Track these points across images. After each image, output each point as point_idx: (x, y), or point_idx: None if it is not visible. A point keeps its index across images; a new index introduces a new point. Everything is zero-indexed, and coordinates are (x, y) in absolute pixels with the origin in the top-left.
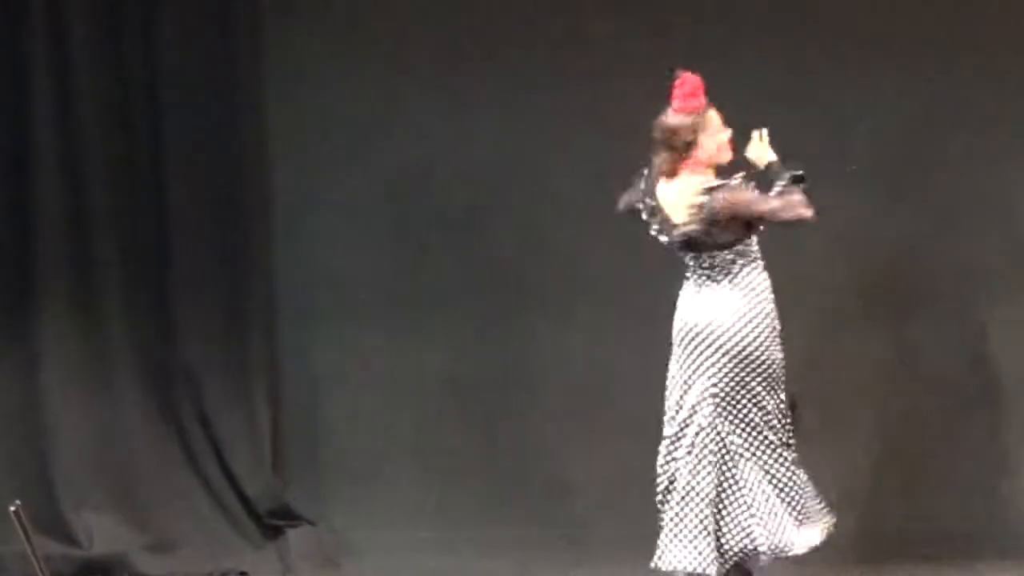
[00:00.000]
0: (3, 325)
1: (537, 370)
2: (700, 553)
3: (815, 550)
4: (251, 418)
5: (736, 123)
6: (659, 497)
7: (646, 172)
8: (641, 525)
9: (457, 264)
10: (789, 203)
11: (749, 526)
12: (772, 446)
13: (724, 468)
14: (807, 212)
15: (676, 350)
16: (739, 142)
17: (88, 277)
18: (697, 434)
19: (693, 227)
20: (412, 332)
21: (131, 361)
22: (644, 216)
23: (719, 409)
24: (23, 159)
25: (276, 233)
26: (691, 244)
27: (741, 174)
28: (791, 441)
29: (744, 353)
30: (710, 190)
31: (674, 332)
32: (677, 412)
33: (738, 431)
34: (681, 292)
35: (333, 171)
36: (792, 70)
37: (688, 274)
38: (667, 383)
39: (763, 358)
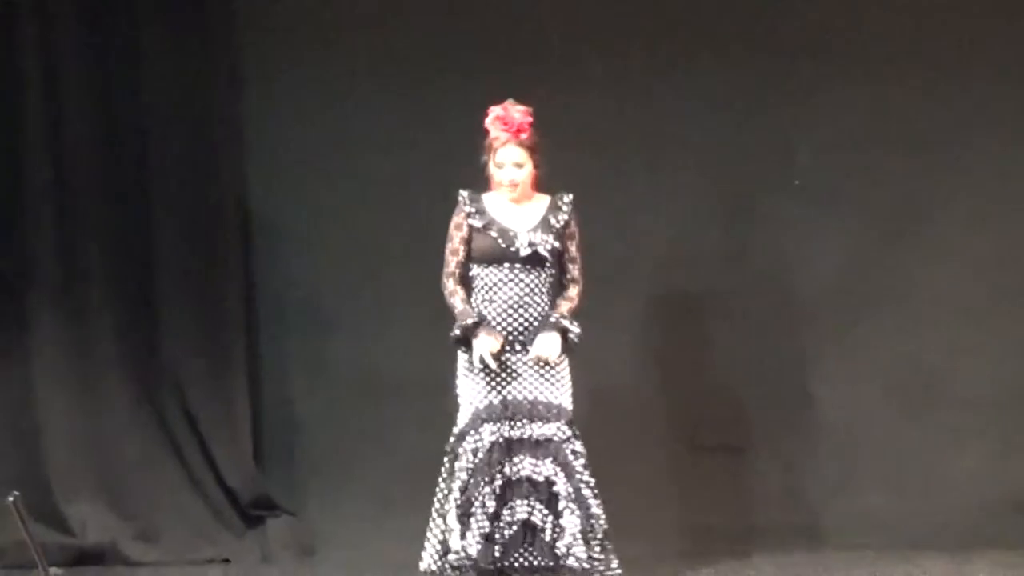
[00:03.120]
0: None
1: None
2: None
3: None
4: (232, 415)
5: (686, 137)
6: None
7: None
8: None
9: (419, 273)
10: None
11: None
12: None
13: None
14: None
15: None
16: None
17: (78, 285)
18: None
19: None
20: (380, 337)
21: (119, 363)
22: None
23: None
24: (16, 174)
25: (254, 243)
26: None
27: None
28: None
29: None
30: None
31: None
32: None
33: None
34: None
35: (307, 184)
36: (740, 88)
37: None
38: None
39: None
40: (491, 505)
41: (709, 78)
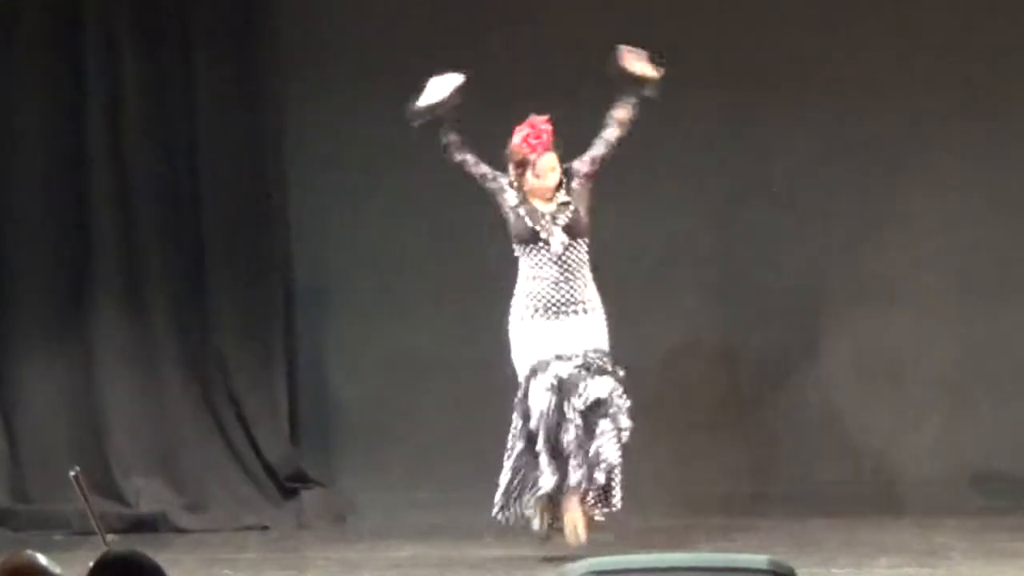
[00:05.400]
0: (64, 319)
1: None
2: None
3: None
4: (272, 397)
5: (677, 153)
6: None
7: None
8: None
9: (445, 267)
10: None
11: None
12: None
13: None
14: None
15: None
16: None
17: (136, 279)
18: None
19: None
20: (406, 324)
21: (172, 350)
22: None
23: None
24: (84, 182)
25: (293, 242)
26: None
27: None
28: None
29: None
30: None
31: None
32: None
33: None
34: None
35: (341, 189)
36: (726, 111)
37: None
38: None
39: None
40: (552, 440)
41: (700, 103)
